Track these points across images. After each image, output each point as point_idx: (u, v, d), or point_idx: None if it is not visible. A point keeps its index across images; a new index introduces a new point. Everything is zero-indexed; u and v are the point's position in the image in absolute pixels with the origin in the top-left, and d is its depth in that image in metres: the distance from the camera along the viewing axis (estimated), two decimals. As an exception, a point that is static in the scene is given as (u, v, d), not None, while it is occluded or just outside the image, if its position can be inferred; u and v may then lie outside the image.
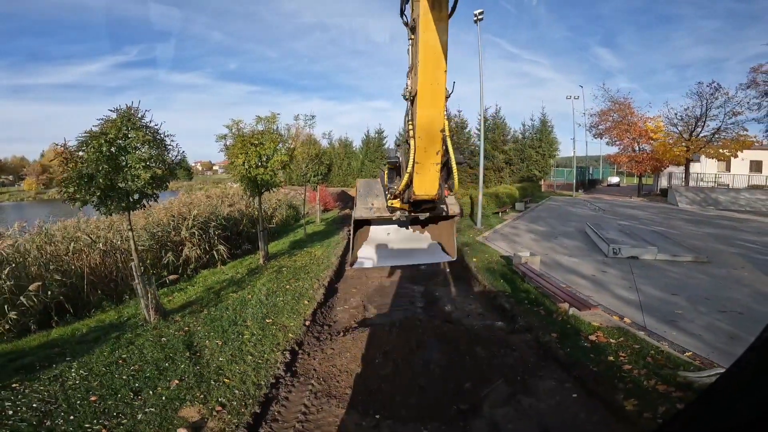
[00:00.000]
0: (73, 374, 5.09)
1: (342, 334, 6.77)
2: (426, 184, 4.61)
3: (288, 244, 15.13)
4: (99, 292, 9.08)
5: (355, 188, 5.85)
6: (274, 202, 22.36)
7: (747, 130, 28.23)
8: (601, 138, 35.53)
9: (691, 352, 5.45)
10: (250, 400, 4.68)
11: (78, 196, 5.76)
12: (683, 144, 29.14)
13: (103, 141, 5.65)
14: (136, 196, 6.30)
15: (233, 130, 10.78)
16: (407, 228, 6.02)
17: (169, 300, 8.42)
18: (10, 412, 4.25)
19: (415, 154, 4.40)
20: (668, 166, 32.63)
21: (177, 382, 4.97)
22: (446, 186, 4.87)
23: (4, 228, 10.64)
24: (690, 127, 29.65)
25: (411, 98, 4.51)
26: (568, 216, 20.52)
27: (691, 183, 31.09)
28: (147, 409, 4.42)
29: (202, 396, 4.71)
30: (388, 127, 44.50)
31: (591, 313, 6.80)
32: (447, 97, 4.40)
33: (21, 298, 7.27)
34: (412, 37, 4.31)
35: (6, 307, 7.14)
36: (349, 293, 9.24)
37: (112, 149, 5.81)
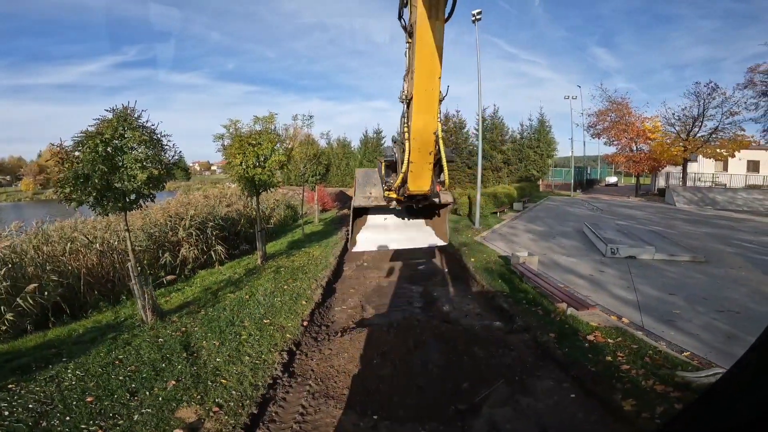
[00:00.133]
0: (70, 375, 5.06)
1: (340, 334, 6.75)
2: (420, 181, 4.97)
3: (286, 244, 15.10)
4: (96, 292, 9.04)
5: (354, 177, 6.15)
6: (272, 202, 22.33)
7: (744, 130, 28.35)
8: (598, 138, 35.67)
9: (689, 352, 5.45)
10: (248, 401, 4.67)
11: (74, 196, 5.74)
12: (681, 144, 29.20)
13: (99, 141, 5.62)
14: (132, 197, 6.28)
15: (231, 130, 10.74)
16: (403, 215, 6.43)
17: (167, 300, 8.39)
18: (6, 413, 4.23)
19: (409, 154, 4.68)
20: (666, 166, 32.71)
21: (174, 382, 4.95)
22: (438, 181, 5.26)
23: (1, 228, 10.60)
24: (687, 127, 29.72)
25: (407, 102, 4.74)
26: (566, 216, 20.54)
27: (689, 183, 31.13)
28: (143, 410, 4.40)
29: (199, 397, 4.69)
30: (387, 127, 44.49)
31: (589, 313, 6.80)
32: (441, 101, 4.63)
33: (18, 299, 7.23)
34: (410, 41, 4.43)
35: (2, 308, 7.10)
36: (347, 293, 9.23)
37: (108, 149, 5.79)
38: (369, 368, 5.52)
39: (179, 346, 5.92)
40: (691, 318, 6.68)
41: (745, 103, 27.31)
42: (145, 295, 6.72)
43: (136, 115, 6.15)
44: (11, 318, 7.02)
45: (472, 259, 11.07)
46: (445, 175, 5.10)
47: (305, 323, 7.08)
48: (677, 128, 30.39)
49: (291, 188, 29.30)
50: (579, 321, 6.54)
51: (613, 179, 57.34)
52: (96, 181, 5.66)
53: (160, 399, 4.61)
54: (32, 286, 7.37)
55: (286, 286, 8.94)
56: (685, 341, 5.82)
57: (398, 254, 13.00)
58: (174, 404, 4.54)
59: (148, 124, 6.32)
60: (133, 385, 4.88)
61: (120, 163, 5.95)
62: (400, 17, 4.52)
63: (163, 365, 5.37)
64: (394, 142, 5.55)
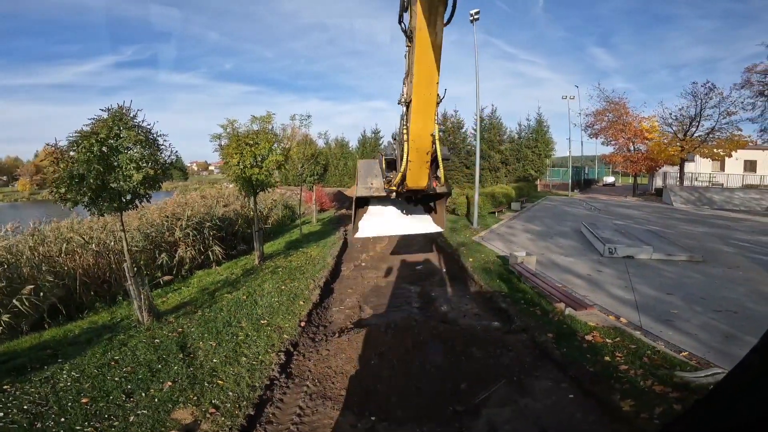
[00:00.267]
0: (65, 376, 5.03)
1: (338, 335, 6.73)
2: (417, 179, 5.34)
3: (284, 244, 15.07)
4: (92, 293, 8.98)
5: (356, 168, 6.52)
6: (269, 202, 22.26)
7: (741, 130, 28.43)
8: (596, 138, 35.75)
9: (687, 352, 5.45)
10: (244, 402, 4.64)
11: (69, 196, 5.70)
12: (678, 144, 29.25)
13: (94, 141, 5.59)
14: (128, 197, 6.24)
15: (228, 130, 10.71)
16: (402, 205, 6.81)
17: (163, 301, 8.35)
18: (1, 414, 4.21)
19: (408, 155, 4.98)
20: (663, 166, 32.78)
21: (170, 383, 4.92)
22: (435, 177, 5.63)
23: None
24: (685, 126, 29.78)
25: (406, 104, 4.98)
26: (563, 215, 20.56)
27: (686, 182, 31.19)
28: (139, 411, 4.37)
29: (195, 398, 4.66)
30: (385, 127, 44.46)
31: (587, 313, 6.79)
32: (438, 103, 4.85)
33: (14, 300, 7.18)
34: (409, 44, 4.57)
35: (-2, 309, 7.05)
36: (345, 294, 9.20)
37: (104, 149, 5.75)
38: (367, 369, 5.49)
39: (176, 346, 5.88)
40: (689, 318, 6.68)
41: (742, 103, 27.44)
42: (142, 296, 6.68)
43: (131, 115, 6.12)
44: (7, 319, 6.97)
45: (470, 259, 11.06)
46: (441, 172, 5.53)
47: (303, 324, 7.05)
48: (674, 128, 30.45)
49: (289, 188, 29.24)
50: (577, 321, 6.53)
51: (610, 179, 57.45)
52: (91, 181, 5.62)
53: (156, 400, 4.58)
54: (29, 287, 7.31)
55: (283, 287, 8.91)
56: (683, 341, 5.81)
57: (397, 253, 13.00)
58: (170, 405, 4.52)
59: (144, 124, 6.29)
60: (129, 386, 4.85)
61: (115, 163, 5.91)
62: (400, 21, 4.61)
63: (160, 366, 5.34)
64: (394, 140, 5.87)
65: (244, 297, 8.15)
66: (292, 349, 6.14)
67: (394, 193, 5.81)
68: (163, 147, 6.49)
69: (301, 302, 7.97)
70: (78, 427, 4.09)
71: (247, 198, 12.79)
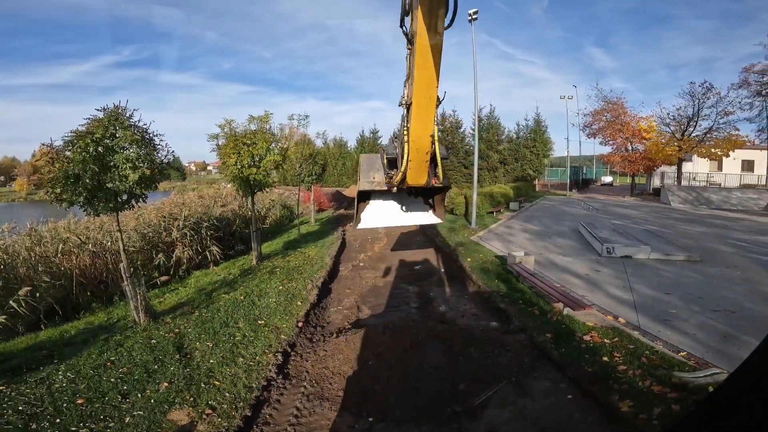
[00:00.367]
0: (60, 377, 4.99)
1: (335, 335, 6.70)
2: (418, 177, 5.62)
3: (282, 244, 15.03)
4: (88, 293, 8.95)
5: (359, 163, 6.84)
6: (267, 202, 22.22)
7: (738, 130, 28.55)
8: (594, 138, 35.86)
9: (686, 352, 5.43)
10: (241, 403, 4.61)
11: (65, 196, 5.67)
12: (675, 143, 29.33)
13: (89, 140, 5.55)
14: (124, 197, 6.20)
15: (225, 130, 10.68)
16: (404, 197, 7.13)
17: (160, 301, 8.31)
18: (-5, 416, 4.16)
19: (408, 155, 5.21)
20: (661, 166, 32.89)
21: (166, 384, 4.89)
22: (434, 174, 5.91)
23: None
24: (682, 126, 29.86)
25: (407, 107, 5.14)
26: (562, 215, 20.58)
27: (684, 182, 31.28)
28: (135, 412, 4.34)
29: (191, 399, 4.63)
30: (383, 127, 44.58)
31: (585, 313, 6.78)
32: (438, 105, 4.97)
33: (10, 302, 7.13)
34: (410, 47, 4.68)
35: (-7, 309, 7.00)
36: (342, 294, 9.17)
37: (99, 149, 5.71)
38: (364, 369, 5.47)
39: (172, 347, 5.85)
40: (687, 317, 6.67)
41: (740, 102, 27.57)
42: (138, 296, 6.65)
43: (127, 115, 6.08)
44: (3, 320, 6.91)
45: (469, 259, 11.05)
46: (439, 170, 5.84)
47: (300, 324, 7.02)
48: (672, 128, 30.53)
49: (287, 188, 29.23)
50: (575, 321, 6.52)
51: (608, 179, 57.60)
52: (87, 181, 5.59)
53: (152, 401, 4.55)
54: (25, 289, 7.26)
55: (281, 287, 8.88)
56: (682, 341, 5.81)
57: (396, 251, 12.99)
58: (166, 406, 4.48)
59: (140, 124, 6.25)
60: (125, 387, 4.81)
61: (111, 163, 5.87)
62: (401, 24, 4.71)
63: (156, 367, 5.30)
64: (396, 138, 6.15)
65: (242, 297, 8.11)
66: (289, 350, 6.10)
67: (396, 188, 6.10)
68: (159, 147, 6.46)
69: (299, 302, 7.94)
70: (73, 428, 4.05)
71: (245, 198, 12.76)
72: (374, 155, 6.62)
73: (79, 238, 10.21)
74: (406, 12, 4.45)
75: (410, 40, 4.55)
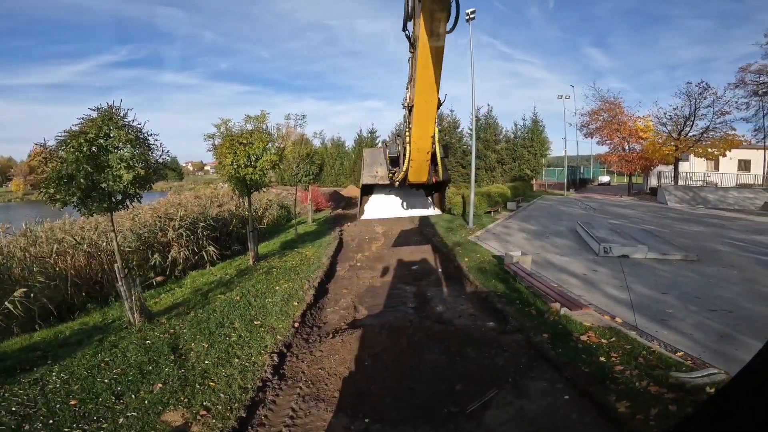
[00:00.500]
0: (54, 378, 4.97)
1: (331, 335, 6.67)
2: (419, 175, 5.96)
3: (278, 244, 14.99)
4: (83, 294, 8.90)
5: (362, 158, 7.27)
6: (264, 202, 22.18)
7: (735, 130, 28.67)
8: (591, 137, 35.87)
9: (683, 352, 5.43)
10: (236, 404, 4.58)
11: (58, 196, 5.63)
12: (672, 143, 29.40)
13: (83, 140, 5.50)
14: (118, 197, 6.16)
15: (222, 129, 10.63)
16: (405, 190, 7.53)
17: (156, 302, 8.27)
18: (-12, 417, 4.12)
19: (410, 155, 5.51)
20: (658, 165, 32.94)
21: (160, 385, 4.85)
22: (434, 171, 6.23)
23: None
24: (679, 126, 29.95)
25: (409, 108, 5.29)
26: (559, 215, 20.59)
27: (681, 182, 31.39)
28: (129, 414, 4.31)
29: (186, 400, 4.60)
30: (381, 127, 44.77)
31: (582, 313, 6.77)
32: (438, 106, 5.07)
33: (6, 303, 7.08)
34: (412, 51, 4.75)
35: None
36: (339, 294, 9.14)
37: (93, 149, 5.67)
38: (361, 370, 5.45)
39: (167, 348, 5.81)
40: (684, 317, 6.67)
41: (736, 102, 27.68)
42: (133, 297, 6.61)
43: (121, 114, 6.03)
44: (-3, 321, 6.87)
45: (466, 259, 11.03)
46: (439, 168, 6.21)
47: (296, 325, 6.99)
48: (669, 128, 30.63)
49: (284, 188, 29.22)
50: (572, 321, 6.51)
51: (605, 178, 57.69)
52: (81, 181, 5.55)
53: (146, 402, 4.52)
54: (20, 290, 7.22)
55: (277, 287, 8.85)
56: (679, 341, 5.80)
57: (394, 250, 12.95)
58: (160, 407, 4.45)
59: (135, 124, 6.20)
60: (119, 388, 4.78)
61: (105, 163, 5.83)
62: (404, 28, 4.77)
63: (150, 368, 5.27)
64: (398, 136, 6.51)
65: (238, 298, 8.08)
66: (285, 351, 6.08)
67: (398, 183, 6.44)
68: (153, 147, 6.42)
69: (296, 303, 7.90)
70: (66, 429, 4.02)
71: (242, 198, 12.72)
72: (377, 150, 7.08)
73: (75, 239, 10.16)
74: (408, 17, 4.48)
75: (413, 45, 4.60)
